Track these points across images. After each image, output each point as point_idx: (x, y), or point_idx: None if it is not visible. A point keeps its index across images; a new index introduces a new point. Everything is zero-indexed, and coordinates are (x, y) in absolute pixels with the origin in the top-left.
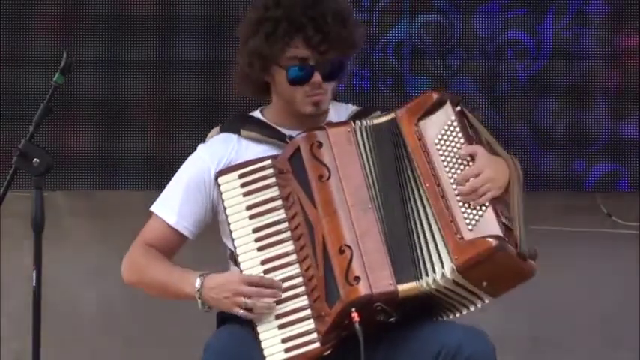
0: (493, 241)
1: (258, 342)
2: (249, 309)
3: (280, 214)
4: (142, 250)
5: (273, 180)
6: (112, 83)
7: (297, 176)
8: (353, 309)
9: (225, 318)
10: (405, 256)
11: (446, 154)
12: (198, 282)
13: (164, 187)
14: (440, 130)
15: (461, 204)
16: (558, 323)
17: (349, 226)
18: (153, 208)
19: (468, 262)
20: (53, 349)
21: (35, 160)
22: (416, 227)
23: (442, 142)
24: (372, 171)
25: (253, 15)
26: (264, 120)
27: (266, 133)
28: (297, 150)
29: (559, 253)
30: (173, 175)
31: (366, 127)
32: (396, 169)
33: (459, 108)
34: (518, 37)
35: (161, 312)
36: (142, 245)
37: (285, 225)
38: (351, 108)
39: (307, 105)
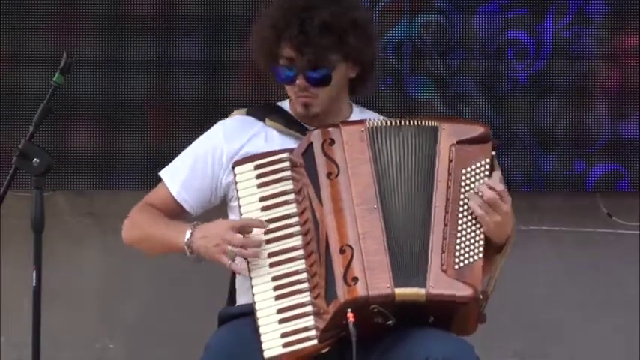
0: (472, 291)
1: (258, 335)
2: (239, 263)
3: (292, 208)
4: (142, 208)
5: (288, 173)
6: (113, 83)
7: (308, 171)
8: (349, 309)
9: (226, 317)
10: (406, 260)
11: (467, 188)
12: (188, 233)
13: None
14: (472, 164)
15: (459, 240)
16: (557, 323)
17: (353, 225)
18: (161, 173)
19: (438, 296)
20: (53, 349)
21: (35, 160)
22: (421, 236)
23: (469, 176)
24: (386, 171)
25: (259, 16)
26: (290, 112)
27: (290, 125)
28: (310, 145)
29: (559, 253)
30: None
31: (403, 125)
32: (419, 174)
33: (494, 153)
34: (518, 37)
35: (161, 311)
36: (143, 204)
37: (296, 219)
38: (381, 118)
39: (298, 105)
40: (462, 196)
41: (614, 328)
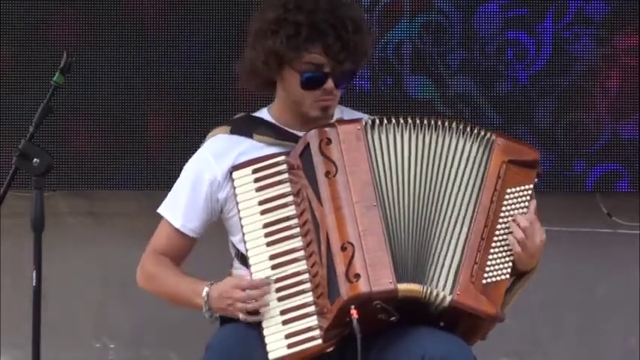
0: (495, 310)
1: (262, 337)
2: (250, 312)
3: (291, 210)
4: (153, 259)
5: (285, 176)
6: (113, 83)
7: (307, 172)
8: (352, 306)
9: (227, 317)
10: (410, 256)
11: (509, 207)
12: (204, 293)
13: (164, 188)
14: (517, 186)
15: (491, 257)
16: (557, 323)
17: (353, 223)
18: (160, 210)
19: (463, 306)
20: (53, 349)
21: (35, 160)
22: (438, 236)
23: (512, 197)
24: (384, 168)
25: (272, 14)
26: (274, 122)
27: (280, 136)
28: (307, 146)
29: (559, 253)
30: (173, 176)
31: (403, 123)
32: (447, 178)
33: (536, 180)
34: (518, 37)
35: (161, 312)
36: (152, 253)
37: (295, 221)
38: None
39: (315, 109)
40: (501, 214)
41: (614, 328)
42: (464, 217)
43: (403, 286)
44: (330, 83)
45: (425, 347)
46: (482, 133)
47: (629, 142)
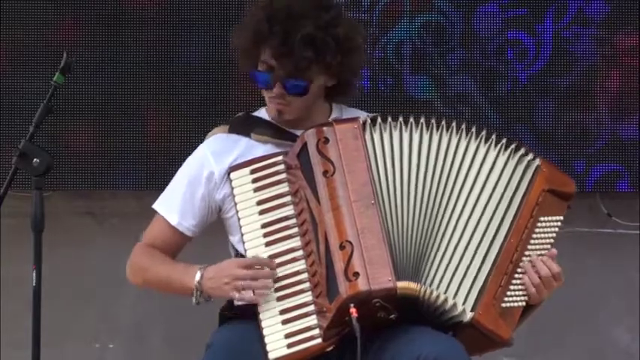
0: (509, 336)
1: (262, 337)
2: (248, 293)
3: (289, 210)
4: (143, 250)
5: (283, 176)
6: (112, 83)
7: (304, 172)
8: (352, 305)
9: (226, 317)
10: (412, 255)
11: (538, 236)
12: (198, 275)
13: (164, 188)
14: (549, 216)
15: (514, 281)
16: (557, 323)
17: (351, 221)
18: (155, 206)
19: (481, 325)
20: (53, 349)
21: (35, 160)
22: (447, 239)
23: (544, 225)
24: (383, 167)
25: (251, 10)
26: (272, 121)
27: (278, 135)
28: (305, 145)
29: (559, 253)
30: (173, 176)
31: (403, 122)
32: (462, 182)
33: (565, 213)
34: (518, 37)
35: (161, 311)
36: (143, 246)
37: (294, 221)
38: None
39: (272, 110)
40: (531, 241)
41: (614, 329)
42: (494, 234)
43: (402, 284)
44: (278, 87)
45: (420, 347)
46: (523, 151)
47: (629, 142)
